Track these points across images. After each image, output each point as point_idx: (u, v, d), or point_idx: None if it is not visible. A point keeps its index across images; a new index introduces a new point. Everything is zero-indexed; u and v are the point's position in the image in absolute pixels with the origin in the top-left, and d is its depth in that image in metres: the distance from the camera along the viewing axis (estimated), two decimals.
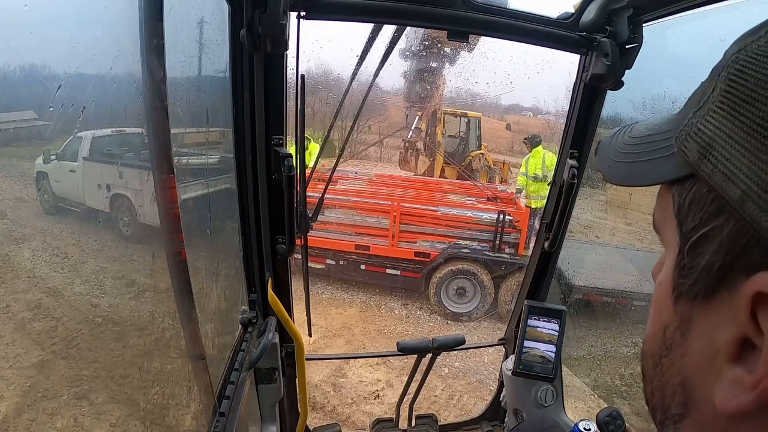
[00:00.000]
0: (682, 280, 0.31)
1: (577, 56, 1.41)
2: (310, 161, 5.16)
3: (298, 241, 1.38)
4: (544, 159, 6.73)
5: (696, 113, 0.30)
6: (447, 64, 8.23)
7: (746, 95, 0.26)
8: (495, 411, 2.03)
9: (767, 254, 0.24)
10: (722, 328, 0.27)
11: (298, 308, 1.63)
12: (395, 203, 5.84)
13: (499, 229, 5.65)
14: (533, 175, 6.72)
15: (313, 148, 5.68)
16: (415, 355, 1.77)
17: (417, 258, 5.81)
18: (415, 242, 5.86)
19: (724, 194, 0.26)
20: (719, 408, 0.28)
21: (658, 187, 0.35)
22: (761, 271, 0.25)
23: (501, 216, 5.67)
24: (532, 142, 6.99)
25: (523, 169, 7.03)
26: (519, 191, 7.11)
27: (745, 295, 0.25)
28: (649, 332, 0.35)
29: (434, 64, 8.22)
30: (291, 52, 1.18)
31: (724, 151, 0.27)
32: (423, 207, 6.02)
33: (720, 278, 0.27)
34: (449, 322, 5.74)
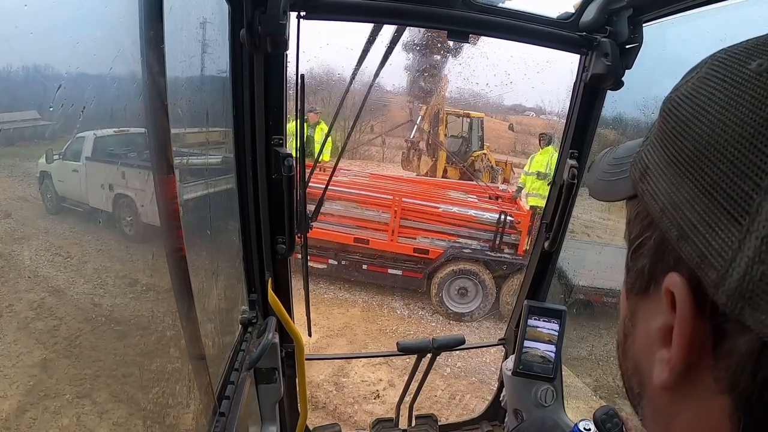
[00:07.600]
0: (629, 279, 0.37)
1: (577, 56, 1.42)
2: (318, 139, 4.98)
3: (297, 240, 1.38)
4: (551, 158, 6.63)
5: (644, 142, 0.36)
6: (449, 62, 8.22)
7: (671, 131, 0.31)
8: (495, 411, 2.02)
9: (677, 260, 0.30)
10: (654, 318, 0.33)
11: (299, 308, 1.63)
12: (396, 198, 5.78)
13: (500, 229, 5.63)
14: (536, 171, 6.66)
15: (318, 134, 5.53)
16: (415, 355, 1.77)
17: (416, 255, 5.76)
18: (415, 238, 5.81)
19: (651, 211, 0.32)
20: (655, 384, 0.32)
21: None
22: (671, 272, 0.30)
23: (502, 216, 5.65)
24: (547, 140, 6.86)
25: (527, 168, 6.93)
26: (520, 189, 7.06)
27: (664, 291, 0.31)
28: (618, 325, 0.41)
29: (437, 57, 8.21)
30: (291, 52, 1.18)
31: (653, 176, 0.32)
32: (424, 203, 5.97)
33: (650, 277, 0.33)
34: (451, 322, 5.73)
